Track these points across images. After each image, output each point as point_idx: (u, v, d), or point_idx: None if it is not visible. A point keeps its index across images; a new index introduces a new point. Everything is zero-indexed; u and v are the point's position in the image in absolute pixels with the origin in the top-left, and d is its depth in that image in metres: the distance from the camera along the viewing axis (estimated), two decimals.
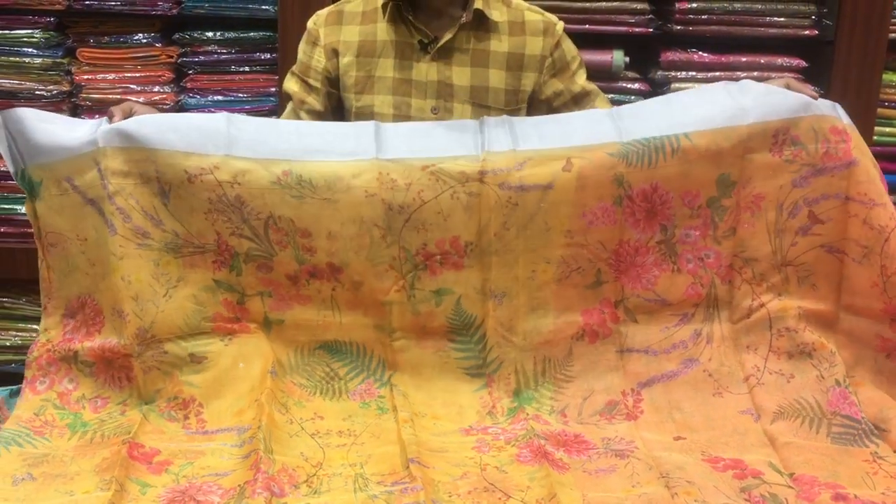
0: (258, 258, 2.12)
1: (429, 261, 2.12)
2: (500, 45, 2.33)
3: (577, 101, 2.40)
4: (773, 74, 2.60)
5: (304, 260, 2.11)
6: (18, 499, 1.81)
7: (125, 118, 2.12)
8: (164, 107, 2.93)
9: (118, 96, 2.92)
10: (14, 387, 2.16)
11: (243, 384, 2.10)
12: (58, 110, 2.92)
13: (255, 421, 2.00)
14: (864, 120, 2.78)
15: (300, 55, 2.42)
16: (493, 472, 1.91)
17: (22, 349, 3.03)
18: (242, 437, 1.99)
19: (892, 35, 2.90)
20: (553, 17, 2.39)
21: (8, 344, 3.15)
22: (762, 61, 2.91)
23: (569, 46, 2.40)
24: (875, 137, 2.97)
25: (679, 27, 2.94)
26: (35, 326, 2.97)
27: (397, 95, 2.33)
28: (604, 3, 2.92)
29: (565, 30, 2.42)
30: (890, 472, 1.91)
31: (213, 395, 2.09)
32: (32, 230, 2.17)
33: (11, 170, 2.14)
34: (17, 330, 3.15)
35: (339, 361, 2.18)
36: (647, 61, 3.04)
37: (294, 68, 2.43)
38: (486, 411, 2.11)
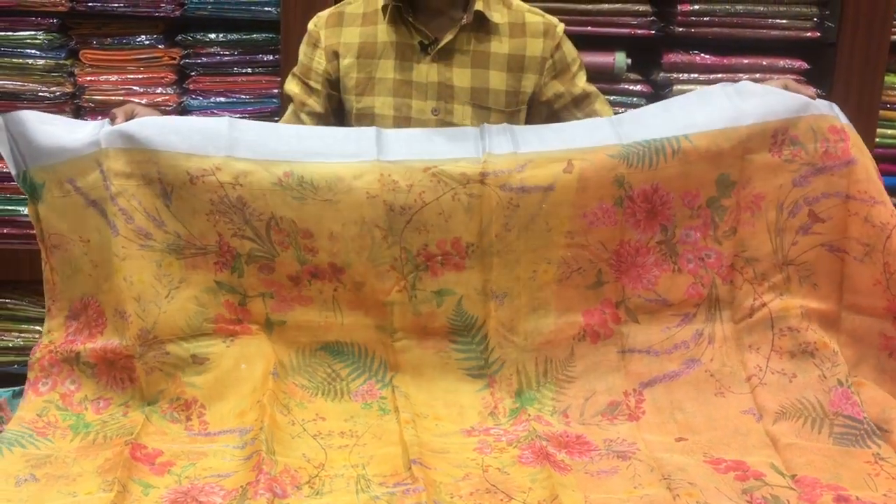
0: (260, 259, 2.12)
1: (430, 261, 2.12)
2: (500, 46, 2.33)
3: (578, 102, 2.40)
4: (775, 76, 2.60)
5: (306, 260, 2.12)
6: (21, 500, 1.82)
7: (127, 120, 2.13)
8: (167, 108, 2.93)
9: (121, 98, 2.92)
10: (17, 388, 2.17)
11: (245, 385, 2.11)
12: (60, 112, 2.93)
13: (257, 422, 2.00)
14: (866, 122, 2.78)
15: (301, 57, 2.42)
16: (495, 474, 1.91)
17: (25, 350, 3.03)
18: (244, 439, 1.99)
19: (895, 37, 2.90)
20: (553, 19, 2.40)
21: (10, 345, 3.14)
22: (764, 63, 2.91)
23: (569, 48, 2.40)
24: (877, 139, 2.97)
25: (681, 29, 2.94)
26: (38, 328, 2.98)
27: (398, 97, 2.33)
28: (606, 5, 2.92)
29: (567, 31, 2.42)
30: (891, 474, 1.91)
31: (215, 397, 2.09)
32: (35, 232, 2.18)
33: (13, 172, 2.14)
34: (20, 331, 3.14)
35: (341, 362, 2.18)
36: (649, 63, 3.04)
37: (295, 70, 2.44)
38: (488, 412, 2.11)
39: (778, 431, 2.03)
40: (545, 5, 2.80)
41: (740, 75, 2.85)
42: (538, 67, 2.36)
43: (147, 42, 2.98)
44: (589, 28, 2.92)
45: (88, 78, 2.97)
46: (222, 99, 2.98)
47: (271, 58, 2.99)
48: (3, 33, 2.95)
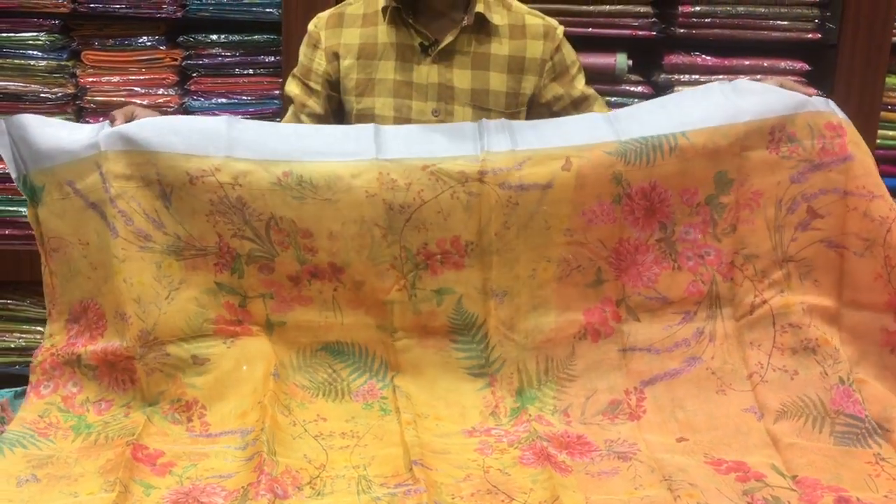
0: (260, 259, 2.12)
1: (429, 260, 2.12)
2: (500, 48, 2.34)
3: (577, 105, 2.41)
4: (773, 77, 2.60)
5: (306, 260, 2.12)
6: (23, 500, 1.82)
7: (127, 122, 2.13)
8: (169, 109, 2.93)
9: (123, 99, 2.93)
10: (18, 388, 2.17)
11: (246, 386, 2.11)
12: (62, 113, 2.94)
13: (259, 423, 2.00)
14: (867, 123, 2.78)
15: (301, 58, 2.42)
16: (496, 475, 1.91)
17: (26, 351, 3.03)
18: (246, 440, 1.99)
19: None
20: (553, 22, 2.40)
21: (12, 346, 3.15)
22: (765, 64, 2.92)
23: (568, 51, 2.41)
24: (878, 141, 2.97)
25: (682, 30, 2.95)
26: (39, 328, 2.98)
27: (398, 98, 2.33)
28: (607, 7, 2.93)
29: (569, 33, 2.42)
30: (892, 475, 1.91)
31: (215, 398, 2.09)
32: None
33: (14, 175, 2.15)
34: (21, 332, 3.15)
35: (342, 362, 2.18)
36: (650, 64, 3.04)
37: (295, 71, 2.44)
38: (490, 411, 2.12)
39: (779, 431, 2.03)
40: (547, 7, 2.81)
41: (741, 77, 2.85)
42: (538, 69, 2.36)
43: (149, 43, 2.98)
44: (590, 29, 2.93)
45: (90, 79, 2.98)
46: (224, 100, 2.99)
47: (273, 59, 2.99)
48: (5, 34, 2.96)
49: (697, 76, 2.94)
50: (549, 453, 1.95)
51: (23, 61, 2.97)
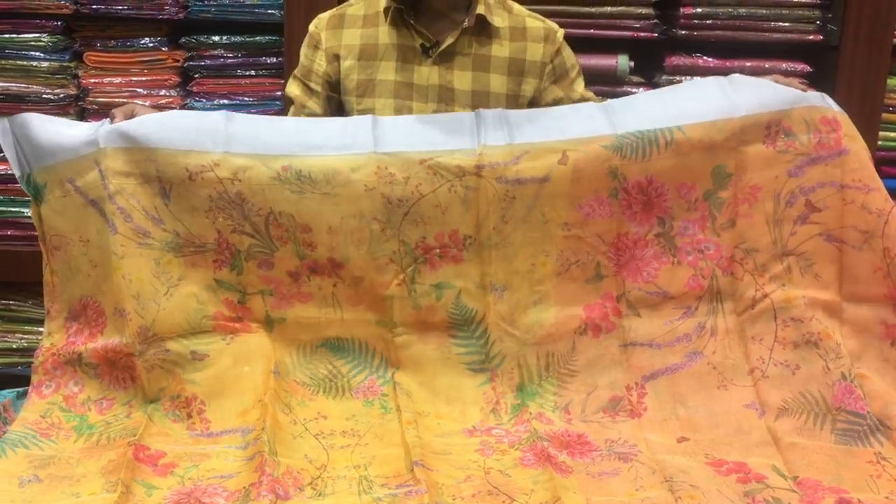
0: (259, 255, 2.12)
1: (428, 254, 2.13)
2: (501, 50, 2.34)
3: None
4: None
5: (305, 255, 2.12)
6: (25, 500, 1.82)
7: (126, 119, 2.14)
8: (171, 110, 2.93)
9: (125, 100, 2.93)
10: (20, 389, 2.17)
11: (246, 383, 2.11)
12: (65, 114, 2.94)
13: (260, 422, 2.01)
14: (869, 125, 2.78)
15: (302, 59, 2.43)
16: (497, 476, 1.91)
17: (28, 351, 3.03)
18: (247, 439, 1.99)
19: None
20: (554, 25, 2.40)
21: (14, 346, 3.15)
22: (767, 66, 2.92)
23: (568, 54, 2.41)
24: (879, 142, 2.97)
25: (684, 32, 2.95)
26: (41, 329, 2.95)
27: (398, 99, 2.33)
28: (609, 8, 2.93)
29: (570, 34, 2.43)
30: (893, 475, 1.91)
31: (215, 394, 2.09)
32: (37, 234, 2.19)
33: (17, 174, 2.15)
34: (23, 332, 3.15)
35: (342, 359, 2.18)
36: (651, 66, 3.04)
37: (296, 72, 2.44)
38: (490, 408, 2.12)
39: (780, 429, 2.04)
40: (548, 8, 2.81)
41: None
42: (538, 72, 2.37)
43: (151, 44, 2.98)
44: (592, 31, 2.93)
45: (92, 80, 2.98)
46: (226, 101, 2.98)
47: (274, 60, 2.99)
48: (7, 36, 2.96)
49: (699, 77, 2.93)
50: (549, 454, 1.96)
51: (25, 62, 2.97)
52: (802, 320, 2.12)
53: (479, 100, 2.33)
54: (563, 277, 2.16)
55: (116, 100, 2.94)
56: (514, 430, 2.06)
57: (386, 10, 2.32)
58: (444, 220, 2.11)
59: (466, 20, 2.30)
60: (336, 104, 2.42)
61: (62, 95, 2.97)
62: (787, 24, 2.95)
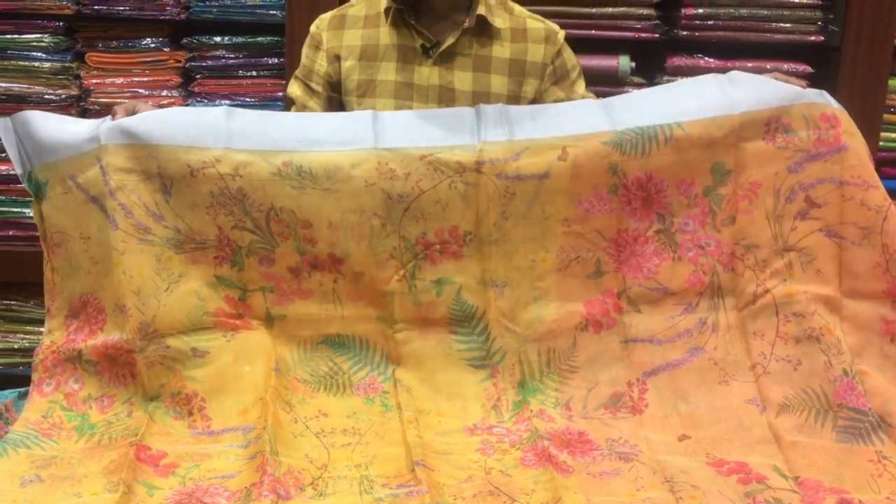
0: (260, 251, 2.13)
1: (428, 250, 2.13)
2: (502, 50, 2.34)
3: None
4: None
5: (306, 251, 2.13)
6: (27, 500, 1.82)
7: (128, 116, 2.14)
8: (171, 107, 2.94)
9: (126, 100, 2.93)
10: (22, 389, 2.17)
11: (246, 380, 2.11)
12: (66, 114, 2.90)
13: (261, 421, 2.01)
14: (870, 126, 2.79)
15: (303, 59, 2.43)
16: (498, 476, 1.91)
17: (30, 352, 3.01)
18: (248, 438, 1.99)
19: None
20: (555, 26, 2.41)
21: (16, 346, 3.16)
22: (768, 67, 2.92)
23: (569, 55, 2.41)
24: (881, 143, 2.97)
25: (685, 33, 2.95)
26: (42, 329, 2.98)
27: (399, 99, 2.33)
28: (610, 9, 2.93)
29: (571, 35, 2.43)
30: (894, 475, 1.91)
31: (215, 391, 2.09)
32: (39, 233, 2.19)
33: (19, 172, 2.16)
34: (25, 332, 3.16)
35: (343, 355, 2.18)
36: (653, 67, 3.05)
37: (297, 72, 2.45)
38: (491, 404, 2.12)
39: (781, 427, 2.03)
40: (550, 9, 2.82)
41: None
42: (539, 73, 2.37)
43: (152, 45, 2.99)
44: (593, 31, 2.94)
45: (94, 81, 2.99)
46: (227, 102, 2.99)
47: (276, 61, 3.00)
48: (9, 36, 2.97)
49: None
50: (550, 454, 1.96)
51: (27, 63, 2.98)
52: (804, 315, 2.12)
53: (480, 100, 2.32)
54: (563, 273, 2.16)
55: (118, 100, 2.94)
56: (514, 429, 2.06)
57: (387, 10, 2.32)
58: (445, 216, 2.11)
59: (467, 21, 2.30)
60: (337, 104, 2.42)
61: (64, 96, 2.98)
62: (788, 25, 2.96)
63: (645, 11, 2.94)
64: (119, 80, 2.98)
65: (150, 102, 2.86)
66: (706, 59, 2.96)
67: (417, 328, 2.16)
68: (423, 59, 2.33)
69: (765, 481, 1.90)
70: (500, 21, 2.35)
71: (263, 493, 1.79)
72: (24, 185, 2.17)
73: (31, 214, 2.25)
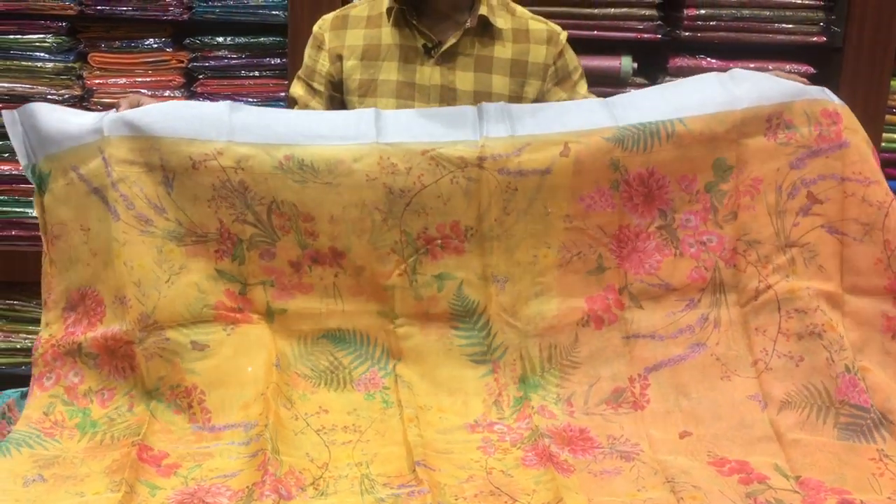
0: (261, 244, 2.13)
1: (430, 245, 2.13)
2: (503, 51, 2.35)
3: None
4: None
5: (307, 245, 2.13)
6: (29, 500, 1.83)
7: (132, 109, 2.15)
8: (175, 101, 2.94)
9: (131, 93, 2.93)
10: (24, 389, 2.17)
11: (246, 375, 2.10)
12: None
13: (262, 418, 2.01)
14: (873, 127, 2.78)
15: (306, 59, 2.44)
16: (499, 476, 1.91)
17: (32, 352, 3.04)
18: (249, 434, 2.00)
19: None
20: (557, 27, 2.41)
21: (18, 346, 3.16)
22: (770, 68, 2.91)
23: (571, 56, 2.42)
24: (883, 144, 2.98)
25: (687, 33, 2.95)
26: None
27: (400, 99, 2.34)
28: (612, 10, 2.93)
29: (574, 36, 2.43)
30: None
31: (215, 384, 2.09)
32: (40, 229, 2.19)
33: (23, 164, 2.17)
34: (27, 332, 3.16)
35: (343, 350, 2.18)
36: (655, 67, 3.05)
37: (300, 72, 2.46)
38: (493, 400, 2.12)
39: (783, 424, 2.03)
40: (552, 9, 2.82)
41: None
42: (541, 74, 2.37)
43: (155, 45, 2.99)
44: (595, 32, 2.94)
45: (97, 81, 2.99)
46: (229, 102, 2.99)
47: (278, 61, 3.00)
48: (12, 36, 2.97)
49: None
50: (551, 453, 1.96)
51: (30, 63, 2.99)
52: (807, 311, 2.12)
53: (481, 100, 2.32)
54: (564, 269, 2.16)
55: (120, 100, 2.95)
56: (515, 427, 2.06)
57: (389, 10, 2.33)
58: (446, 211, 2.11)
59: (469, 21, 2.31)
60: (339, 104, 2.43)
61: (67, 96, 2.98)
62: (790, 26, 2.96)
63: (647, 12, 2.94)
64: (122, 81, 2.99)
65: (154, 96, 2.88)
66: (708, 59, 2.96)
67: (418, 323, 2.17)
68: (424, 58, 2.34)
69: (766, 481, 1.90)
70: (501, 21, 2.35)
71: (265, 493, 1.79)
72: (27, 179, 2.17)
73: (34, 214, 2.25)
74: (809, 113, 2.15)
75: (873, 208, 2.12)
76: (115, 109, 2.16)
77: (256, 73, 3.02)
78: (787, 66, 2.92)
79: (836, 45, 2.93)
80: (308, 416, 2.08)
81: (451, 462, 1.94)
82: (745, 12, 2.94)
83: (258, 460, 1.89)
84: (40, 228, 2.19)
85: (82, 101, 3.00)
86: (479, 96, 2.33)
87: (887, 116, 2.99)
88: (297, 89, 2.45)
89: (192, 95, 3.00)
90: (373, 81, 2.36)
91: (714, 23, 2.95)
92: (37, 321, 3.07)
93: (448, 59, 2.33)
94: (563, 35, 2.41)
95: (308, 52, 2.43)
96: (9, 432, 2.04)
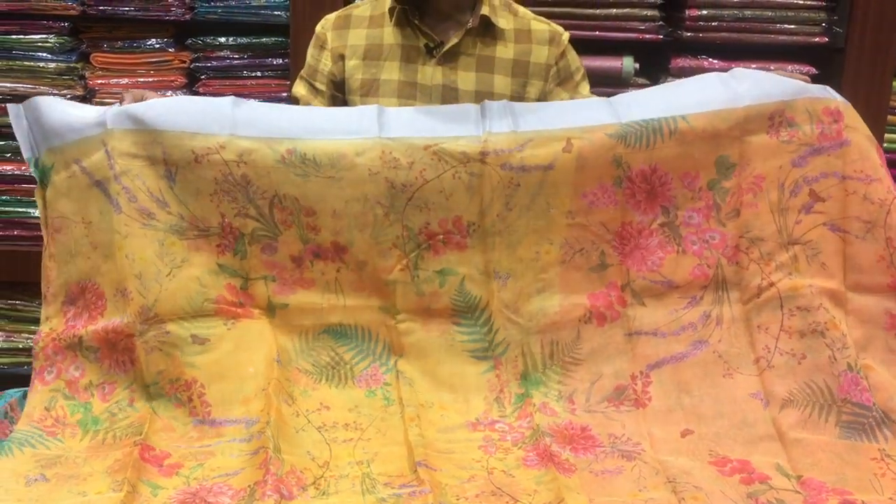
0: (263, 239, 2.13)
1: (432, 240, 2.13)
2: (505, 51, 2.35)
3: None
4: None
5: (309, 239, 2.13)
6: (32, 499, 1.83)
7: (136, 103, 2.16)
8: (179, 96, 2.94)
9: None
10: (26, 388, 2.17)
11: (245, 368, 2.10)
12: None
13: (264, 414, 2.01)
14: (875, 127, 2.76)
15: (308, 59, 2.45)
16: (500, 476, 1.91)
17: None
18: (251, 431, 1.99)
19: None
20: (559, 28, 2.41)
21: (20, 346, 3.17)
22: (772, 68, 2.90)
23: (573, 57, 2.42)
24: (885, 145, 2.98)
25: (689, 34, 2.96)
26: None
27: (402, 98, 2.34)
28: (614, 10, 2.94)
29: (575, 36, 2.44)
30: None
31: (215, 378, 2.08)
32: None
33: (26, 156, 2.17)
34: (30, 332, 3.16)
35: (344, 346, 2.18)
36: (657, 68, 3.05)
37: (302, 72, 2.47)
38: (494, 396, 2.12)
39: (785, 422, 2.03)
40: (554, 10, 2.82)
41: None
42: (543, 74, 2.37)
43: (157, 45, 3.00)
44: (597, 33, 2.94)
45: (99, 81, 3.00)
46: (233, 97, 2.99)
47: (280, 61, 3.01)
48: (14, 37, 2.98)
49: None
50: (552, 453, 1.96)
51: (32, 63, 2.99)
52: (809, 309, 2.12)
53: (483, 100, 2.33)
54: (567, 266, 2.16)
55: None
56: (517, 426, 2.06)
57: (391, 10, 2.33)
58: (448, 206, 2.11)
59: (470, 21, 2.31)
60: (341, 104, 2.43)
61: (69, 96, 2.98)
62: (792, 27, 2.96)
63: (649, 13, 2.94)
64: (124, 81, 2.99)
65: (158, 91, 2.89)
66: (710, 60, 2.97)
67: (420, 319, 2.16)
68: (426, 58, 2.34)
69: (767, 481, 1.90)
70: (503, 22, 2.35)
71: (267, 492, 1.79)
72: (29, 177, 2.18)
73: (36, 214, 2.26)
74: (811, 111, 2.15)
75: (875, 206, 2.12)
76: (118, 103, 2.17)
77: (258, 74, 3.02)
78: (789, 67, 2.92)
79: (838, 46, 2.93)
80: (309, 412, 2.08)
81: (452, 462, 1.94)
82: (747, 13, 2.94)
83: (260, 458, 1.89)
84: (41, 222, 2.20)
85: (84, 102, 2.99)
86: (481, 96, 2.33)
87: (889, 117, 2.99)
88: (299, 89, 2.46)
89: (195, 96, 3.00)
90: (375, 81, 2.36)
91: (716, 23, 2.95)
92: (39, 321, 3.10)
93: (450, 59, 2.33)
94: (566, 36, 2.41)
95: (310, 51, 2.44)
96: (11, 432, 2.05)
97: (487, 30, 2.34)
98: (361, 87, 2.37)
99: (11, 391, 2.18)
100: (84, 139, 2.12)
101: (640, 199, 2.15)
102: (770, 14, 2.95)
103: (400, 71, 2.35)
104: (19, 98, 2.96)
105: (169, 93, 2.98)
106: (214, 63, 3.01)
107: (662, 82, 2.98)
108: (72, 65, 2.99)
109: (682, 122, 2.12)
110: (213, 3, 2.94)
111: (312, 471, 1.91)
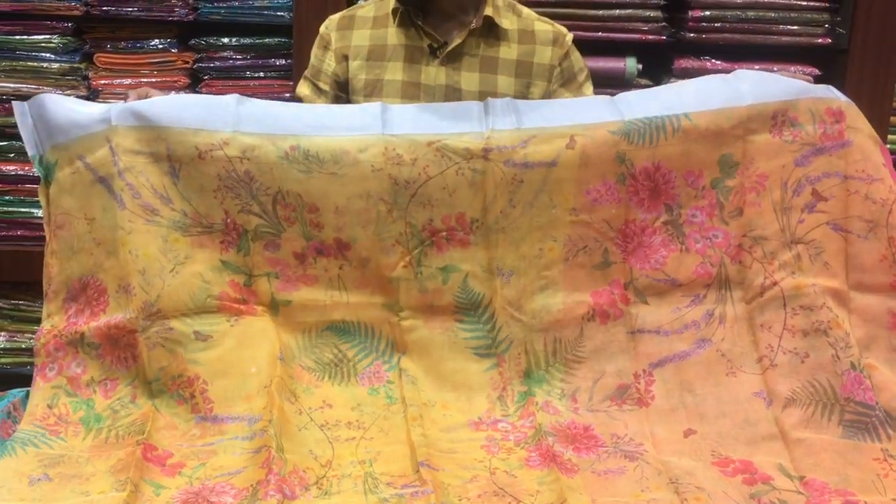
0: (266, 235, 2.13)
1: (435, 237, 2.13)
2: (509, 52, 2.35)
3: None
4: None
5: (312, 236, 2.13)
6: (35, 499, 1.83)
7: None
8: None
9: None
10: (29, 388, 2.17)
11: (248, 365, 2.10)
12: None
13: (266, 412, 2.01)
14: (878, 128, 2.75)
15: (312, 59, 2.45)
16: (503, 477, 1.91)
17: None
18: (253, 429, 1.99)
19: None
20: (563, 29, 2.41)
21: (23, 346, 3.17)
22: (775, 69, 2.90)
23: (577, 58, 2.42)
24: (888, 146, 2.96)
25: (692, 35, 2.96)
26: None
27: (405, 99, 2.34)
28: (617, 11, 2.94)
29: (578, 37, 2.44)
30: None
31: (217, 374, 2.08)
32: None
33: (31, 154, 2.17)
34: (33, 332, 3.13)
35: (347, 342, 2.18)
36: (659, 69, 3.05)
37: (306, 72, 2.47)
38: (497, 394, 2.12)
39: (787, 422, 2.03)
40: (557, 11, 2.82)
41: None
42: (547, 75, 2.37)
43: (160, 46, 3.00)
44: (600, 34, 2.94)
45: (102, 81, 3.00)
46: (237, 95, 2.99)
47: (283, 62, 3.01)
48: (18, 37, 2.98)
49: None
50: (554, 453, 1.96)
51: (35, 63, 2.99)
52: (812, 308, 2.12)
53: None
54: (570, 263, 2.16)
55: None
56: (519, 425, 2.06)
57: (394, 11, 2.33)
58: (452, 203, 2.11)
59: (474, 21, 2.31)
60: (344, 104, 2.43)
61: (72, 96, 2.97)
62: (795, 28, 2.96)
63: (652, 13, 2.94)
64: (127, 81, 3.00)
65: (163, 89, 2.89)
66: (713, 61, 2.97)
67: (423, 315, 2.16)
68: (430, 59, 2.34)
69: (770, 482, 1.90)
70: (507, 22, 2.35)
71: (269, 492, 1.79)
72: (33, 176, 2.18)
73: (40, 214, 2.26)
74: (814, 111, 2.16)
75: (877, 205, 2.13)
76: (123, 101, 2.17)
77: (262, 74, 3.02)
78: (792, 68, 2.92)
79: (842, 47, 2.93)
80: (312, 410, 2.08)
81: (454, 462, 1.94)
82: (750, 14, 2.94)
83: (262, 457, 1.89)
84: (44, 219, 2.20)
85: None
86: (484, 97, 2.32)
87: (892, 118, 2.99)
88: (303, 89, 2.46)
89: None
90: (378, 81, 2.36)
91: (719, 24, 2.95)
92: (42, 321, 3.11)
93: (453, 59, 2.33)
94: (569, 36, 2.41)
95: (314, 51, 2.44)
96: (14, 431, 2.05)
97: (491, 30, 2.34)
98: (365, 87, 2.37)
99: (14, 391, 2.18)
100: (88, 135, 2.12)
101: (644, 196, 2.15)
102: (773, 15, 2.95)
103: (403, 71, 2.35)
104: (23, 98, 2.96)
105: (172, 93, 2.98)
106: (218, 63, 3.01)
107: (665, 83, 2.98)
108: (75, 65, 2.99)
109: (686, 119, 2.12)
110: (216, 4, 2.94)
111: (315, 470, 1.91)
